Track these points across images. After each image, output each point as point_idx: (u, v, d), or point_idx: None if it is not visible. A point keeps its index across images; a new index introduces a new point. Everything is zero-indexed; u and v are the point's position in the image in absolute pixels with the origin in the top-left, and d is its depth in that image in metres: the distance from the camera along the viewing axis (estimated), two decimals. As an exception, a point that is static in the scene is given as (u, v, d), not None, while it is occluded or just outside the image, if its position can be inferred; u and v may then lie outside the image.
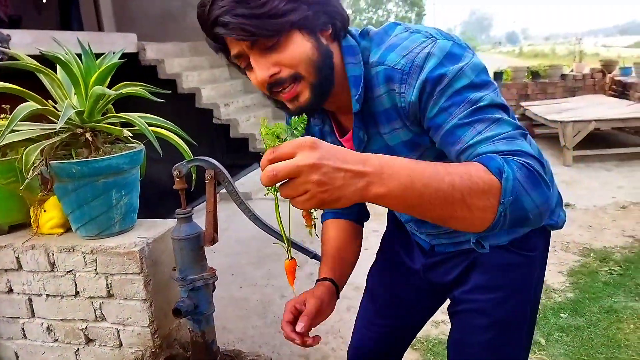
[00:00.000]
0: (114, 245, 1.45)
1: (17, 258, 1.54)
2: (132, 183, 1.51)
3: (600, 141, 5.98)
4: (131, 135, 1.54)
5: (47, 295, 1.55)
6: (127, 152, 1.47)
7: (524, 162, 0.76)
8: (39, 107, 1.38)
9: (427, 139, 0.95)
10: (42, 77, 1.46)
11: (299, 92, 0.91)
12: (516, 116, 1.09)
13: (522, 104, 7.21)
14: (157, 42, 6.56)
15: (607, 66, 8.00)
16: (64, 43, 1.48)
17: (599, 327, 2.49)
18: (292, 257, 1.06)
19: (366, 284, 1.44)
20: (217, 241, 1.43)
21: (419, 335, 2.48)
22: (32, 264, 1.53)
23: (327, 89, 0.94)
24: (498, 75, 8.08)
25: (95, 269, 1.48)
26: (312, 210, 0.91)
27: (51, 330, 1.59)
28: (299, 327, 1.06)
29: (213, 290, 1.46)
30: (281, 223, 0.98)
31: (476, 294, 1.15)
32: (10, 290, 1.59)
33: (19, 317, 1.61)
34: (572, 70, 8.35)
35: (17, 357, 1.66)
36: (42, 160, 1.39)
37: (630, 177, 5.00)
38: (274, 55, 0.88)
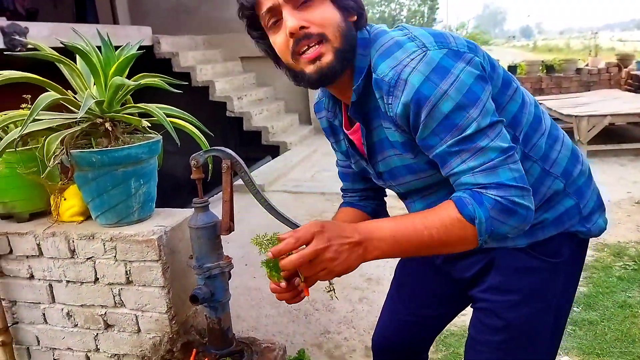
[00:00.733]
0: (132, 233, 1.48)
1: (38, 245, 1.58)
2: (150, 172, 1.54)
3: (615, 136, 5.91)
4: (149, 125, 1.57)
5: (68, 282, 1.59)
6: (146, 142, 1.49)
7: (498, 197, 0.88)
8: (59, 96, 1.41)
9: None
10: (62, 67, 1.49)
11: (323, 53, 0.94)
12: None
13: (537, 98, 7.13)
14: (170, 35, 6.60)
15: (623, 60, 7.89)
16: (81, 37, 1.51)
17: (613, 321, 2.48)
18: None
19: (394, 273, 1.44)
20: (234, 230, 1.45)
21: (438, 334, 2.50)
22: (53, 251, 1.57)
23: (348, 60, 0.97)
24: (512, 69, 8.01)
25: (115, 256, 1.51)
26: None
27: (71, 315, 1.62)
28: None
29: (229, 279, 1.49)
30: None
31: (490, 294, 1.13)
32: (32, 277, 1.63)
33: (39, 303, 1.65)
34: (587, 65, 8.26)
35: (38, 341, 1.70)
36: (63, 149, 1.42)
37: (646, 172, 4.94)
38: (305, 13, 0.93)
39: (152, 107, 1.47)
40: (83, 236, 1.52)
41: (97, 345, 1.63)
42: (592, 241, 3.38)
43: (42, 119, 1.43)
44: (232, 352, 1.49)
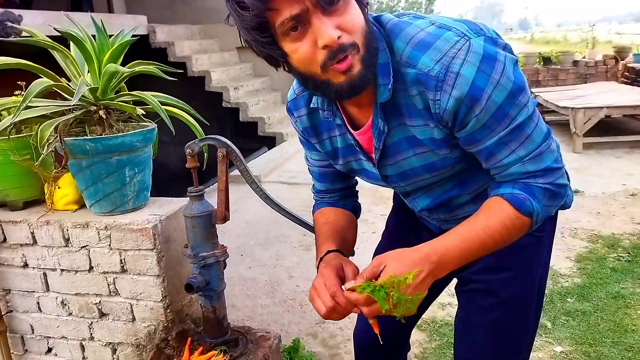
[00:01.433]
0: (127, 222, 1.48)
1: (32, 233, 1.57)
2: (145, 161, 1.53)
3: (611, 128, 5.93)
4: (144, 113, 1.56)
5: (62, 270, 1.58)
6: (141, 130, 1.48)
7: (547, 184, 0.91)
8: (53, 83, 1.40)
9: (457, 138, 0.95)
10: (56, 54, 1.47)
11: (353, 64, 0.85)
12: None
13: (533, 90, 7.15)
14: (166, 24, 6.55)
15: (620, 53, 7.89)
16: (75, 25, 1.49)
17: (606, 312, 2.50)
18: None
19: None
20: (229, 219, 1.45)
21: (425, 316, 2.52)
22: (47, 239, 1.56)
23: (374, 64, 0.89)
24: (509, 61, 7.98)
25: (109, 245, 1.51)
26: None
27: (65, 304, 1.62)
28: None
29: (224, 268, 1.49)
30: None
31: (485, 275, 1.15)
32: (26, 265, 1.62)
33: (34, 291, 1.65)
34: (584, 57, 8.25)
35: (33, 330, 1.70)
36: (57, 136, 1.41)
37: (641, 164, 4.96)
38: (335, 18, 0.82)
39: (147, 95, 1.46)
40: (77, 225, 1.52)
41: (91, 334, 1.63)
42: (587, 233, 3.42)
43: (35, 106, 1.42)
44: (227, 341, 1.50)
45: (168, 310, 1.54)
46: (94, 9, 7.06)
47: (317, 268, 1.05)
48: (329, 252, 1.07)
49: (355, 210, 1.28)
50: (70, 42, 1.45)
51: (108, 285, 1.55)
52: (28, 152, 1.52)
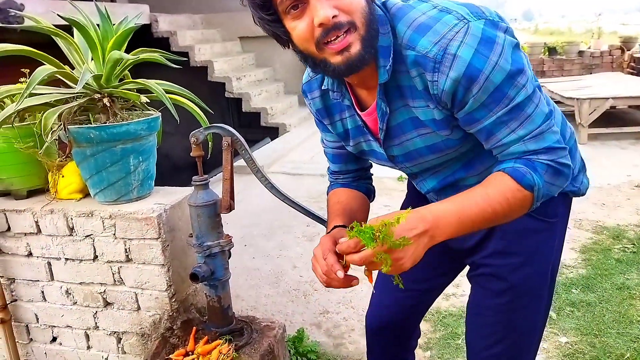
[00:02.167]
0: (132, 211, 1.47)
1: (36, 222, 1.56)
2: (149, 150, 1.52)
3: (616, 119, 5.89)
4: (148, 102, 1.54)
5: (66, 259, 1.58)
6: (145, 118, 1.47)
7: (549, 160, 0.91)
8: (56, 69, 1.38)
9: (457, 119, 0.96)
10: (59, 41, 1.46)
11: (351, 43, 0.88)
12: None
13: (539, 80, 7.10)
14: (168, 13, 6.51)
15: (626, 43, 7.82)
16: (77, 13, 1.47)
17: (611, 303, 2.49)
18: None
19: None
20: (234, 208, 1.44)
21: (430, 307, 2.51)
22: (51, 228, 1.55)
23: (374, 46, 0.92)
24: (514, 51, 7.92)
25: (114, 234, 1.50)
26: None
27: (70, 293, 1.62)
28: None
29: (229, 257, 1.48)
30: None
31: (494, 259, 1.15)
32: (30, 254, 1.62)
33: (38, 280, 1.64)
34: (589, 47, 8.18)
35: (37, 319, 1.70)
36: (61, 124, 1.40)
37: (646, 156, 4.93)
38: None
39: (151, 83, 1.45)
40: (82, 214, 1.51)
41: (96, 323, 1.63)
42: (591, 224, 3.40)
43: (39, 94, 1.40)
44: (232, 330, 1.49)
45: (173, 300, 1.53)
46: (96, -2, 7.02)
47: None
48: (335, 227, 1.10)
49: (369, 192, 1.29)
50: (74, 30, 1.43)
51: (113, 274, 1.55)
52: (32, 140, 1.51)
